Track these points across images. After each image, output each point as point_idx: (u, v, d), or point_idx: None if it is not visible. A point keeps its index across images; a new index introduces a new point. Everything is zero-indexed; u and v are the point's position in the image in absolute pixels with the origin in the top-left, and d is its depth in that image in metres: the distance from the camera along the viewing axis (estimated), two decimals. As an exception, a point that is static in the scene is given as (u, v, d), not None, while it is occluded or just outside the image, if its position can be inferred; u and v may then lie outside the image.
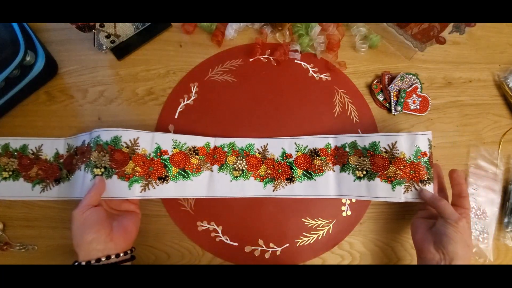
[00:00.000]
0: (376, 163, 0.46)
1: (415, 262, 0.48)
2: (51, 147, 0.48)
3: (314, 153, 0.49)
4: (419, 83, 0.53)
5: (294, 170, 0.49)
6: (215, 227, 0.48)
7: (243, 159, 0.49)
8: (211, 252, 0.47)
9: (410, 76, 0.53)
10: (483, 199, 0.51)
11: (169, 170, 0.45)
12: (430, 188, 0.43)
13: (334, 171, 0.48)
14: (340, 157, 0.48)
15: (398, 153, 0.45)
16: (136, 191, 0.43)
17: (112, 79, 0.52)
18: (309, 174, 0.48)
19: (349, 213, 0.49)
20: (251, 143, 0.50)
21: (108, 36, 0.50)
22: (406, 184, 0.44)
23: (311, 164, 0.49)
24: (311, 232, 0.48)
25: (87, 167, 0.42)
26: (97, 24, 0.47)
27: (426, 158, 0.44)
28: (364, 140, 0.47)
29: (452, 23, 0.51)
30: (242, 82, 0.53)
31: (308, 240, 0.48)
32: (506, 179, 0.52)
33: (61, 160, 0.47)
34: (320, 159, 0.49)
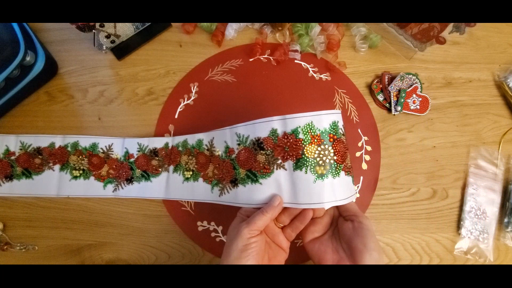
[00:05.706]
0: (339, 151, 0.33)
1: (415, 262, 0.48)
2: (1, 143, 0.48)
3: (257, 145, 0.36)
4: (419, 83, 0.53)
5: (237, 170, 0.38)
6: (215, 227, 0.48)
7: (193, 158, 0.45)
8: (211, 252, 0.47)
9: (410, 76, 0.53)
10: (483, 199, 0.51)
11: (134, 172, 0.48)
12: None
13: (286, 169, 0.35)
14: (292, 148, 0.34)
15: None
16: (109, 191, 0.47)
17: (112, 79, 0.52)
18: (253, 175, 0.36)
19: (349, 213, 0.49)
20: (201, 138, 0.45)
21: (108, 36, 0.50)
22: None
23: (254, 161, 0.36)
24: (311, 232, 0.48)
25: (65, 168, 0.47)
26: (97, 24, 0.47)
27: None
28: (322, 120, 0.34)
29: (452, 23, 0.51)
30: (242, 82, 0.53)
31: (308, 240, 0.48)
32: (506, 179, 0.52)
33: (12, 158, 0.48)
34: (265, 153, 0.36)
